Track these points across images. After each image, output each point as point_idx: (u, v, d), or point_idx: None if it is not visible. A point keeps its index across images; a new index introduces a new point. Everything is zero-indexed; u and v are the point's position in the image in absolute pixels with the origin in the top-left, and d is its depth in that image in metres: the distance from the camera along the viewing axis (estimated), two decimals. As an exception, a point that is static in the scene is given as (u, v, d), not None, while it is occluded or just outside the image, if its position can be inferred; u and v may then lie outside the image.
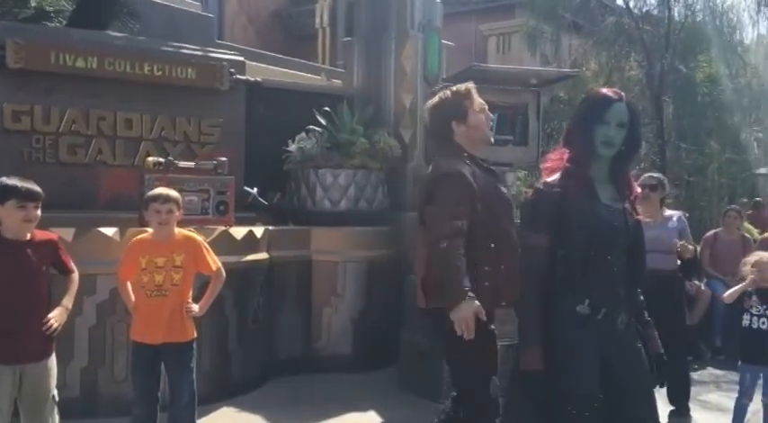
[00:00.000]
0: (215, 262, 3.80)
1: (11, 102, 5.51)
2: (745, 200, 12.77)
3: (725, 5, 13.35)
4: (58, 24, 7.38)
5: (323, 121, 6.24)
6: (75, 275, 3.49)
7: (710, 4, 12.91)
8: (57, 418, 3.38)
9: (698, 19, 13.03)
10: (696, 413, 4.95)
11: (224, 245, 4.73)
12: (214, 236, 4.75)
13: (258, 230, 5.37)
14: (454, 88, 3.35)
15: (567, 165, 2.71)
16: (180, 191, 4.01)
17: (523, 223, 2.80)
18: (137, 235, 3.90)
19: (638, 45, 12.56)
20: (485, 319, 2.97)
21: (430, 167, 3.34)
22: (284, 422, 4.65)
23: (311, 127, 6.23)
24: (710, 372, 6.25)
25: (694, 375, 6.04)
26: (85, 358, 4.56)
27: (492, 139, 3.50)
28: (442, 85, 5.90)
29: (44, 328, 3.22)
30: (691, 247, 5.12)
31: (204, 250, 3.76)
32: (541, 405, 2.64)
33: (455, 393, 3.39)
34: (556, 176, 2.73)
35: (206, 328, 4.52)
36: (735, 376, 4.63)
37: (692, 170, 13.41)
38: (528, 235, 2.76)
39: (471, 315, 2.85)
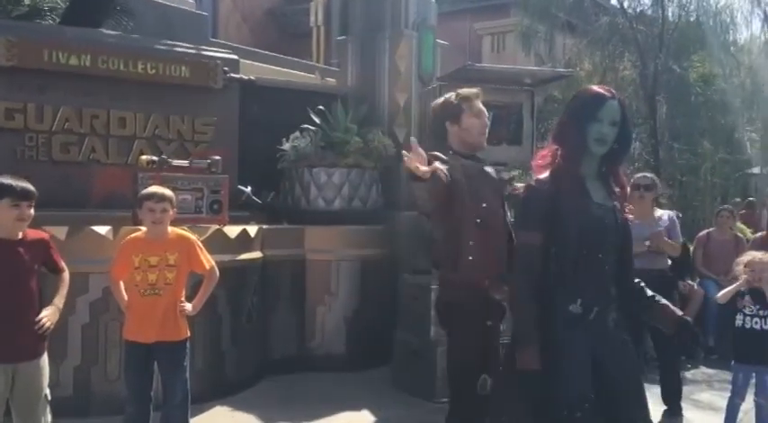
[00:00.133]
0: (208, 261, 3.79)
1: (3, 99, 5.47)
2: (738, 200, 12.82)
3: (718, 6, 13.38)
4: (51, 22, 7.36)
5: (317, 120, 6.24)
6: (66, 274, 3.48)
7: (704, 4, 12.95)
8: (49, 417, 3.37)
9: (692, 19, 13.05)
10: (688, 412, 4.97)
11: (218, 244, 4.72)
12: (208, 234, 4.74)
13: (252, 229, 5.36)
14: (459, 91, 3.55)
15: (560, 162, 2.70)
16: (173, 189, 4.01)
17: (516, 221, 2.80)
18: (130, 233, 3.89)
19: (631, 45, 12.58)
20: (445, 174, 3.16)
21: None
22: (278, 421, 4.65)
23: (305, 126, 6.22)
24: (703, 371, 6.27)
25: (687, 375, 6.07)
26: (78, 357, 4.55)
27: (484, 145, 3.64)
28: (436, 83, 5.91)
29: (36, 328, 3.21)
30: (676, 244, 5.13)
31: (198, 249, 3.75)
32: (536, 405, 2.63)
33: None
34: (547, 173, 2.72)
35: (199, 326, 4.51)
36: (727, 376, 4.64)
37: (686, 170, 13.45)
38: (521, 233, 2.74)
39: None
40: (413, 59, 6.85)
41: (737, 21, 13.35)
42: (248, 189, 6.13)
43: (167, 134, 6.05)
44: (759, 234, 7.44)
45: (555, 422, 2.59)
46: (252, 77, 6.59)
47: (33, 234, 3.35)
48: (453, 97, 3.57)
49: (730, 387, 4.35)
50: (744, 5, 13.50)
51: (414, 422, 4.73)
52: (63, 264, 3.49)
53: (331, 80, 8.09)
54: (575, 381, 2.58)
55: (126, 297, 3.69)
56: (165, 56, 6.01)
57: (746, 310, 4.22)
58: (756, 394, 4.27)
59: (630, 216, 2.94)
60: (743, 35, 14.90)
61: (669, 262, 5.20)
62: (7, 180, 3.22)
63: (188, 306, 3.69)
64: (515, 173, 5.71)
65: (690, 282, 6.78)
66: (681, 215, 8.09)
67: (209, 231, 4.85)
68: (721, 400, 4.59)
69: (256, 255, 5.43)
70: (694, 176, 13.59)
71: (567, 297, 2.63)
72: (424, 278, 5.24)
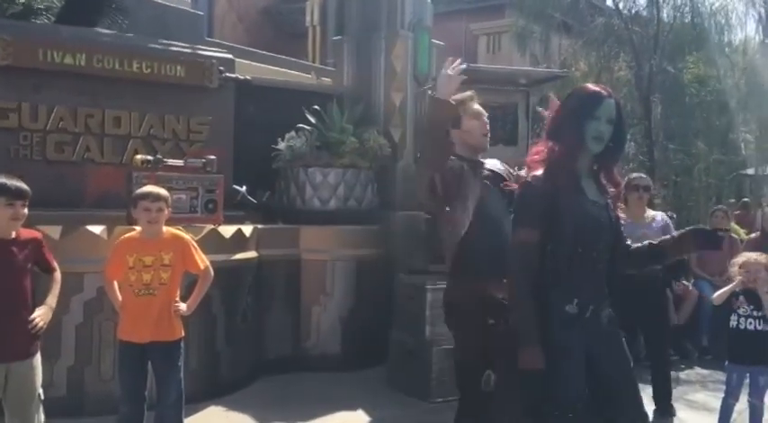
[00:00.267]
0: (203, 261, 3.78)
1: (-2, 98, 5.47)
2: (733, 200, 12.87)
3: (713, 7, 13.42)
4: (46, 21, 7.34)
5: (312, 120, 6.23)
6: (58, 274, 3.48)
7: (699, 5, 12.98)
8: (42, 416, 3.36)
9: (686, 20, 13.09)
10: (682, 413, 4.98)
11: (212, 243, 4.71)
12: (203, 234, 4.73)
13: (247, 229, 5.35)
14: (454, 97, 3.55)
15: (556, 158, 2.69)
16: (168, 189, 3.99)
17: (514, 218, 2.76)
18: (125, 233, 3.88)
19: (627, 46, 12.61)
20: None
21: None
22: (273, 421, 4.64)
23: (301, 125, 6.22)
24: (697, 371, 6.28)
25: (681, 375, 6.08)
26: (72, 357, 4.54)
27: (487, 146, 3.69)
28: (432, 84, 5.91)
29: (30, 327, 3.20)
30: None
31: (192, 249, 3.75)
32: (534, 404, 2.63)
33: None
34: (542, 170, 2.70)
35: (194, 326, 4.50)
36: (721, 376, 4.66)
37: (680, 170, 13.49)
38: (518, 230, 2.70)
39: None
40: (408, 60, 6.85)
41: (732, 22, 13.39)
42: (243, 189, 6.12)
43: (162, 133, 6.03)
44: (753, 235, 7.46)
45: (549, 422, 2.59)
46: (247, 77, 6.58)
47: (26, 233, 3.34)
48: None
49: (724, 387, 4.36)
50: (738, 7, 13.51)
51: (409, 422, 4.73)
52: (55, 263, 3.48)
53: (327, 80, 8.08)
54: (570, 381, 2.59)
55: (120, 297, 3.68)
56: (161, 55, 6.00)
57: (741, 311, 4.23)
58: (750, 395, 4.28)
59: (622, 215, 2.94)
60: (737, 36, 14.91)
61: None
62: (1, 179, 3.22)
63: (182, 306, 3.68)
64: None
65: (684, 282, 6.79)
66: (675, 216, 8.12)
67: (204, 231, 4.84)
68: (715, 400, 4.59)
69: (251, 254, 5.42)
70: (689, 177, 13.63)
71: (562, 296, 2.63)
72: (419, 278, 5.25)
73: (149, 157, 5.07)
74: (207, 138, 6.18)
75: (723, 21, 13.29)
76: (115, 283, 3.70)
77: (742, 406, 4.34)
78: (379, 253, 6.07)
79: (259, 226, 5.65)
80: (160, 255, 3.63)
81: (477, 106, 3.63)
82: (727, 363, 4.36)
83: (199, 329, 4.79)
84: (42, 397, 3.36)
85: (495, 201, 3.43)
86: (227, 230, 5.09)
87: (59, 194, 5.41)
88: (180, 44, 6.26)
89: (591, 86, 2.84)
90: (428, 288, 5.07)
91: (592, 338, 2.66)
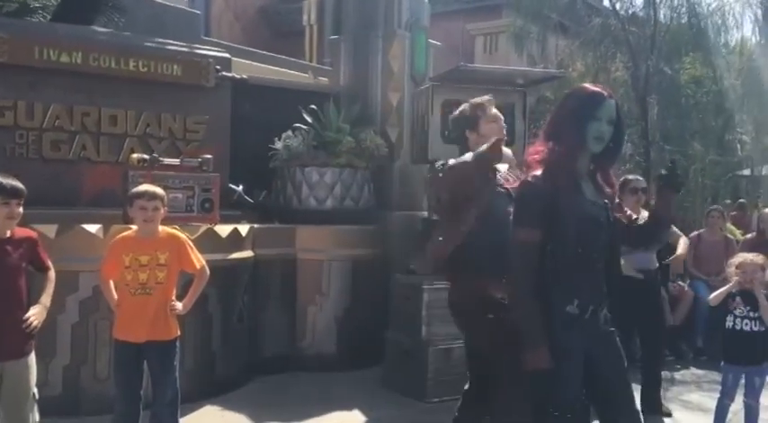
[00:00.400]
0: (199, 260, 3.78)
1: (-6, 97, 5.45)
2: (729, 201, 12.89)
3: (710, 8, 13.43)
4: (42, 19, 7.32)
5: (309, 119, 6.23)
6: (52, 273, 3.47)
7: (696, 6, 12.99)
8: (37, 416, 3.36)
9: (683, 21, 13.09)
10: (677, 413, 4.99)
11: (209, 242, 4.71)
12: (199, 233, 4.73)
13: (243, 228, 5.35)
14: (471, 100, 3.69)
15: (557, 158, 2.67)
16: (164, 188, 3.99)
17: (514, 218, 2.74)
18: (121, 232, 3.87)
19: (623, 46, 12.60)
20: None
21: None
22: (268, 421, 4.64)
23: (297, 125, 6.21)
24: (692, 372, 6.29)
25: (676, 375, 6.10)
26: (68, 356, 4.54)
27: (504, 149, 3.68)
28: (428, 84, 5.91)
29: (24, 326, 3.20)
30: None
31: (188, 248, 3.74)
32: (535, 404, 2.63)
33: None
34: (541, 170, 2.68)
35: (190, 326, 4.50)
36: (716, 376, 4.67)
37: (676, 171, 13.45)
38: (518, 230, 2.68)
39: None
40: (405, 59, 6.85)
41: (729, 23, 13.39)
42: (240, 188, 6.12)
43: (159, 132, 6.03)
44: (749, 235, 7.48)
45: (547, 421, 2.60)
46: (244, 76, 6.58)
47: (21, 232, 3.34)
48: (467, 107, 3.69)
49: (720, 388, 4.36)
50: (735, 8, 13.51)
51: (405, 422, 4.72)
52: (49, 262, 3.48)
53: (323, 79, 8.07)
54: (572, 382, 2.59)
55: (116, 296, 3.67)
56: (157, 54, 5.99)
57: (737, 312, 4.23)
58: (745, 395, 4.29)
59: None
60: (734, 38, 14.92)
61: (657, 264, 5.23)
62: None
63: (178, 305, 3.67)
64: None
65: (680, 283, 6.80)
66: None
67: (200, 230, 4.84)
68: (710, 400, 4.60)
69: (247, 254, 5.42)
70: (684, 178, 13.61)
71: (563, 297, 2.62)
72: (415, 278, 5.24)
73: (145, 156, 5.06)
74: (203, 137, 6.17)
75: (720, 22, 13.30)
76: (111, 283, 3.69)
77: (737, 406, 4.35)
78: (376, 253, 6.07)
79: (255, 225, 5.65)
80: (156, 254, 3.62)
81: (494, 110, 3.66)
82: (722, 363, 4.36)
83: (195, 329, 4.79)
84: (37, 396, 3.35)
85: (501, 202, 3.41)
86: (224, 230, 5.09)
87: (55, 193, 5.39)
88: (177, 43, 6.24)
89: (591, 87, 2.83)
90: (425, 288, 5.07)
91: (591, 339, 2.66)
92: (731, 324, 4.25)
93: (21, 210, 3.25)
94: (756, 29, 13.85)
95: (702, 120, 13.34)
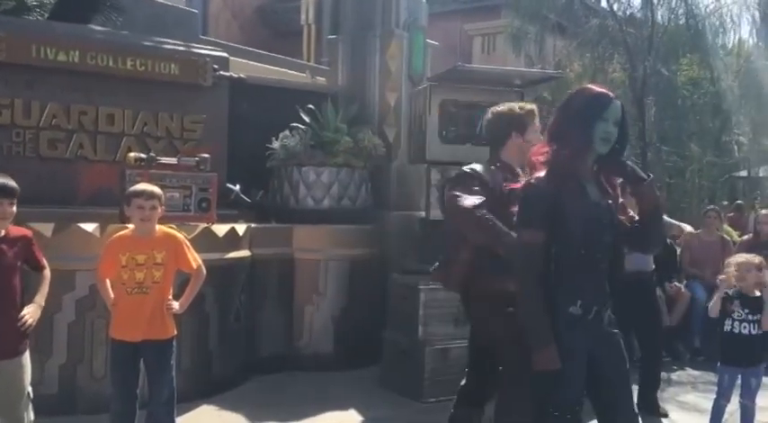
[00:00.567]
0: (196, 260, 3.77)
1: (-9, 95, 5.44)
2: (726, 202, 12.92)
3: (708, 9, 13.46)
4: (39, 17, 7.30)
5: (307, 119, 6.22)
6: (47, 272, 3.47)
7: (694, 7, 13.01)
8: (32, 415, 3.35)
9: (681, 22, 13.12)
10: (674, 414, 5.00)
11: (206, 242, 4.70)
12: (196, 233, 4.72)
13: (240, 228, 5.34)
14: (521, 104, 3.61)
15: (562, 160, 2.66)
16: (161, 187, 3.98)
17: (518, 219, 2.73)
18: (117, 231, 3.87)
19: (621, 47, 12.63)
20: None
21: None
22: (264, 420, 4.63)
23: (295, 124, 6.21)
24: (689, 373, 6.29)
25: (673, 376, 6.10)
26: (64, 355, 4.53)
27: None
28: (426, 84, 5.91)
29: (19, 325, 3.19)
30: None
31: (185, 248, 3.73)
32: (537, 405, 2.63)
33: None
34: (544, 172, 2.68)
35: (186, 325, 4.49)
36: (712, 377, 4.67)
37: (673, 172, 13.53)
38: (523, 231, 2.68)
39: None
40: (403, 59, 6.85)
41: (726, 24, 13.42)
42: (237, 187, 6.11)
43: (156, 131, 6.02)
44: (746, 236, 7.49)
45: (547, 422, 2.60)
46: (242, 75, 6.57)
47: (16, 231, 3.33)
48: (516, 108, 3.58)
49: (716, 389, 4.37)
50: (733, 9, 13.54)
51: (402, 422, 4.72)
52: (44, 261, 3.47)
53: (321, 79, 8.07)
54: (574, 382, 2.59)
55: (112, 295, 3.67)
56: (155, 53, 5.98)
57: (735, 315, 4.22)
58: (742, 396, 4.29)
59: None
60: (731, 39, 14.95)
61: (653, 265, 5.23)
62: None
63: (175, 304, 3.67)
64: None
65: (677, 284, 6.81)
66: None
67: (198, 229, 4.83)
68: (706, 401, 4.61)
69: (244, 253, 5.41)
70: (682, 179, 13.67)
71: (567, 298, 2.62)
72: (412, 278, 5.24)
73: (143, 155, 5.05)
74: (200, 136, 6.16)
75: (717, 23, 13.34)
76: (107, 282, 3.68)
77: (733, 407, 4.35)
78: (373, 253, 6.06)
79: (252, 225, 5.64)
80: (153, 253, 3.61)
81: (538, 123, 3.59)
82: (719, 364, 4.37)
83: (191, 328, 4.78)
84: (31, 395, 3.34)
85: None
86: (221, 229, 5.08)
87: (52, 192, 5.39)
88: (174, 42, 6.24)
89: (596, 88, 2.81)
90: (421, 288, 5.07)
91: (594, 340, 2.66)
92: (729, 327, 4.24)
93: (14, 209, 3.24)
94: (754, 30, 13.89)
95: (700, 121, 13.38)
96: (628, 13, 13.16)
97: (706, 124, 13.58)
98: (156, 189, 3.72)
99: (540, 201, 2.64)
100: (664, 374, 5.42)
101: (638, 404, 4.64)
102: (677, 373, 6.27)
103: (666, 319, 6.40)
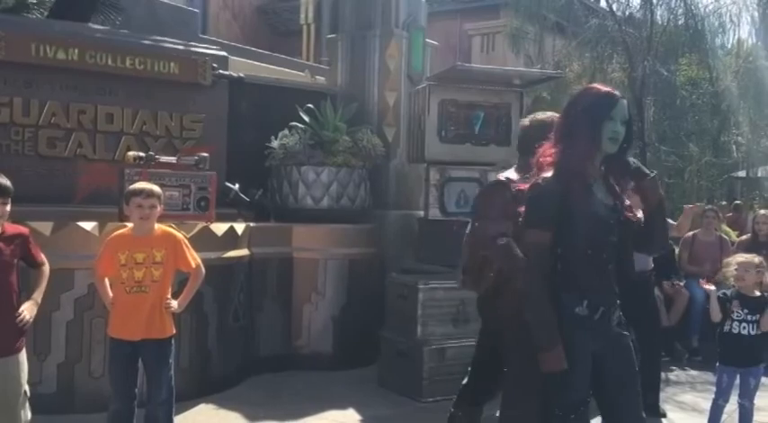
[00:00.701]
0: (194, 259, 3.77)
1: (-10, 93, 5.43)
2: (724, 202, 12.92)
3: (707, 9, 13.47)
4: (39, 16, 7.30)
5: (306, 118, 6.22)
6: (46, 267, 3.46)
7: (693, 7, 13.02)
8: (29, 413, 3.35)
9: (680, 22, 13.13)
10: (672, 413, 5.00)
11: (204, 241, 4.70)
12: (195, 231, 4.72)
13: (239, 227, 5.34)
14: (544, 115, 3.60)
15: (570, 160, 2.65)
16: (161, 186, 3.97)
17: (524, 220, 2.71)
18: (116, 230, 3.86)
19: (620, 47, 12.63)
20: None
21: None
22: (263, 419, 4.63)
23: (294, 124, 6.21)
24: (687, 372, 6.30)
25: (671, 376, 6.10)
26: (62, 353, 4.52)
27: None
28: (425, 83, 5.91)
29: (16, 322, 3.19)
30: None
31: (184, 247, 3.73)
32: (541, 404, 2.63)
33: None
34: (551, 172, 2.67)
35: (185, 324, 4.49)
36: (711, 377, 4.67)
37: (672, 172, 13.54)
38: (530, 232, 2.66)
39: None
40: (402, 59, 6.85)
41: (725, 25, 13.44)
42: (236, 186, 6.10)
43: (155, 130, 6.01)
44: (744, 236, 7.50)
45: (551, 422, 2.59)
46: (241, 75, 6.57)
47: (12, 229, 3.32)
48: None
49: (714, 389, 4.37)
50: (732, 9, 13.55)
51: (400, 422, 4.73)
52: (43, 257, 3.47)
53: (320, 78, 8.09)
54: (576, 384, 2.58)
55: (111, 294, 3.66)
56: (154, 52, 5.97)
57: (735, 316, 4.22)
58: (740, 396, 4.29)
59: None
60: (730, 39, 14.97)
61: (652, 265, 5.23)
62: None
63: (174, 303, 3.66)
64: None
65: (676, 282, 6.81)
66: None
67: (196, 228, 4.83)
68: (705, 401, 4.61)
69: (243, 252, 5.41)
70: (680, 179, 13.68)
71: (573, 298, 2.61)
72: (411, 278, 5.25)
73: (142, 154, 5.05)
74: (200, 135, 6.16)
75: (716, 23, 13.36)
76: (106, 280, 3.68)
77: (732, 407, 4.36)
78: (372, 252, 6.06)
79: (251, 224, 5.64)
80: (152, 252, 3.61)
81: None
82: (717, 364, 4.37)
83: (190, 327, 4.78)
84: (28, 394, 3.34)
85: None
86: (220, 228, 5.08)
87: (51, 190, 5.39)
88: (174, 41, 6.24)
89: (602, 87, 2.80)
90: (420, 287, 5.07)
91: (601, 341, 2.65)
92: (728, 328, 4.24)
93: (8, 208, 3.23)
94: (753, 31, 13.92)
95: (698, 121, 13.39)
96: (627, 13, 13.17)
97: (705, 124, 13.59)
98: (156, 188, 3.72)
99: (547, 201, 2.63)
100: (662, 374, 5.43)
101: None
102: (675, 373, 6.27)
103: (665, 319, 6.41)
